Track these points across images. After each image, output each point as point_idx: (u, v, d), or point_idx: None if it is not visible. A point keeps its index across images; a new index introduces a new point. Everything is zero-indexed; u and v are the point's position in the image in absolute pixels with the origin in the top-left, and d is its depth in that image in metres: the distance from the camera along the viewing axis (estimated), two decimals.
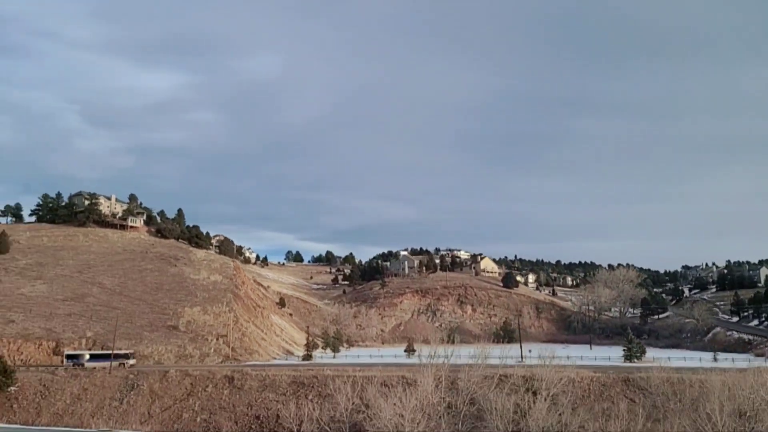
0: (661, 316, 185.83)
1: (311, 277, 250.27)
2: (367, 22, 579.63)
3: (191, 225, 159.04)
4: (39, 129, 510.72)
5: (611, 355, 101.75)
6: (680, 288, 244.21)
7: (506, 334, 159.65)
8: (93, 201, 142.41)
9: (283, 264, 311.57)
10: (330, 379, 69.35)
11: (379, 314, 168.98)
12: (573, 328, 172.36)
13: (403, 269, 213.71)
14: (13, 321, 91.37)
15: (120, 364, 78.24)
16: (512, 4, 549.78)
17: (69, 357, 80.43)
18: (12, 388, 69.79)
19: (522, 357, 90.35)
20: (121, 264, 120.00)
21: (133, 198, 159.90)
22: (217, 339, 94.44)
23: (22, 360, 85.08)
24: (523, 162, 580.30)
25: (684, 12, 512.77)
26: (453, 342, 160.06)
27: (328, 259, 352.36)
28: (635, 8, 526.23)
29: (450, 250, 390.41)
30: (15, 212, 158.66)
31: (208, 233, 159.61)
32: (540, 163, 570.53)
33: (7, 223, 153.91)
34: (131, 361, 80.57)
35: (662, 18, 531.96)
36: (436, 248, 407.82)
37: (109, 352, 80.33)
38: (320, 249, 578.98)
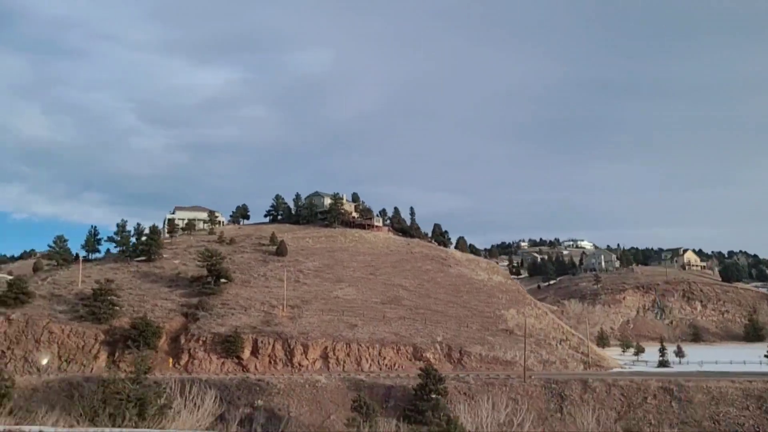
0: None
1: None
2: (418, 13, 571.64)
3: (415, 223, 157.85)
4: (98, 128, 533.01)
5: None
6: None
7: (754, 333, 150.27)
8: (337, 201, 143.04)
9: None
10: None
11: (604, 312, 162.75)
12: None
13: (599, 263, 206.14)
14: (356, 325, 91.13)
15: None
16: None
17: None
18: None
19: None
20: (401, 265, 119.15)
21: (355, 197, 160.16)
22: (560, 343, 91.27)
23: (387, 365, 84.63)
24: (582, 149, 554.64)
25: None
26: (697, 341, 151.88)
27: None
28: None
29: (573, 240, 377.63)
30: (243, 214, 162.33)
31: (447, 231, 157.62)
32: (599, 149, 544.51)
33: (240, 225, 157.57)
34: None
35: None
36: (556, 238, 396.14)
37: None
38: None
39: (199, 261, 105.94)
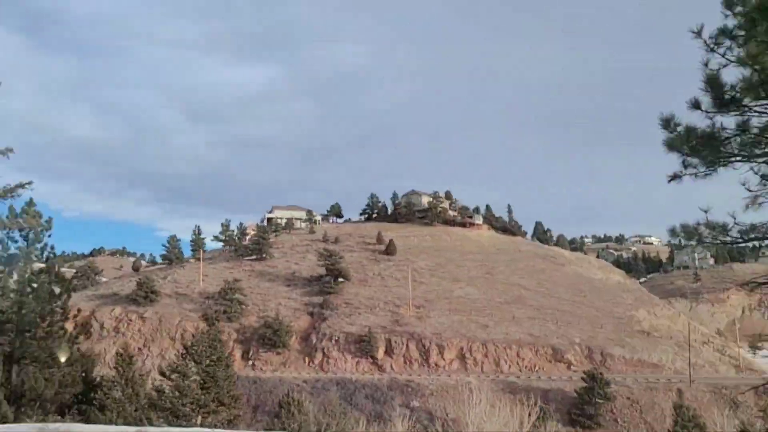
0: None
1: None
2: (452, 4, 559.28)
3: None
4: (142, 126, 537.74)
5: None
6: None
7: None
8: (436, 199, 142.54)
9: None
10: None
11: (709, 312, 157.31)
12: None
13: (693, 260, 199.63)
14: (488, 326, 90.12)
15: None
16: None
17: None
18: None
19: None
20: (513, 264, 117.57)
21: (448, 195, 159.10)
22: (702, 345, 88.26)
23: (527, 367, 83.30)
24: (620, 140, 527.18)
25: None
26: None
27: None
28: None
29: (640, 236, 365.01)
30: (337, 213, 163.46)
31: (549, 230, 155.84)
32: (638, 140, 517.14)
33: (335, 223, 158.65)
34: None
35: None
36: (621, 234, 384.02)
37: None
38: None
39: (319, 261, 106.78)
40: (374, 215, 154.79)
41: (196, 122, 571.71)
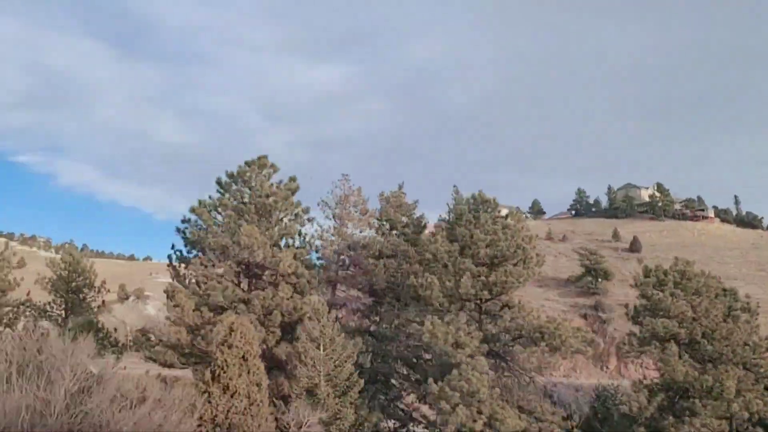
0: None
1: None
2: None
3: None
4: (226, 130, 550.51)
5: None
6: None
7: None
8: (663, 193, 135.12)
9: None
10: None
11: None
12: None
13: None
14: None
15: None
16: None
17: None
18: None
19: None
20: None
21: (660, 187, 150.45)
22: None
23: None
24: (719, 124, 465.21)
25: None
26: None
27: None
28: None
29: None
30: (538, 209, 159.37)
31: None
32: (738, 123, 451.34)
33: (544, 220, 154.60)
34: None
35: None
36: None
37: None
38: None
39: (580, 260, 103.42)
40: (581, 210, 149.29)
41: (276, 124, 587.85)
